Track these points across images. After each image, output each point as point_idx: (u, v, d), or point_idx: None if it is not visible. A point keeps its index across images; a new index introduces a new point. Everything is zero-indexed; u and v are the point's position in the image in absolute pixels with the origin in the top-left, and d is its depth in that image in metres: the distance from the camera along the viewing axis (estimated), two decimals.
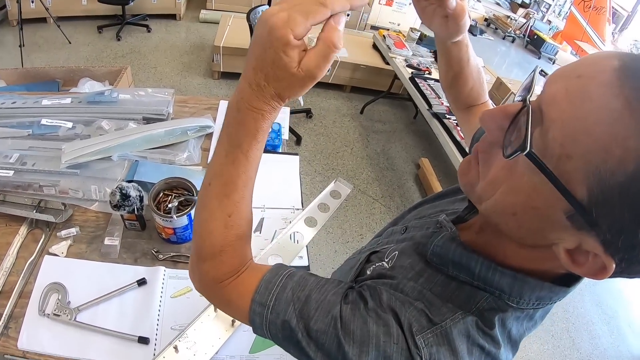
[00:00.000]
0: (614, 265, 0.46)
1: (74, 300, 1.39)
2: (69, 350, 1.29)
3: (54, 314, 1.36)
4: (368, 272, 0.77)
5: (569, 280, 0.61)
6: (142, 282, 1.44)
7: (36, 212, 1.53)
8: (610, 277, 0.47)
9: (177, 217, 1.44)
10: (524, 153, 0.45)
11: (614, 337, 3.04)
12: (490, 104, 1.08)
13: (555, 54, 6.63)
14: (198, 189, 1.52)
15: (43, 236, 1.52)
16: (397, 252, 0.75)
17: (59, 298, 1.39)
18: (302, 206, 1.78)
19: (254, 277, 0.69)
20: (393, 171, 3.83)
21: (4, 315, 1.35)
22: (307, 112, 4.08)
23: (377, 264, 0.77)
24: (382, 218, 3.33)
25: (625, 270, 0.47)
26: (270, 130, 1.91)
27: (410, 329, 0.58)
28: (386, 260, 0.76)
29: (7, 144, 1.64)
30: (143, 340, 1.33)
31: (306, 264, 1.60)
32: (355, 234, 3.11)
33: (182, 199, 1.52)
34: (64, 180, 1.58)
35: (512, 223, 0.54)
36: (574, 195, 0.44)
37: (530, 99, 0.51)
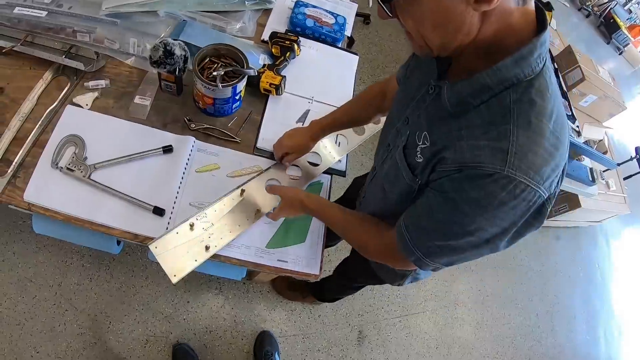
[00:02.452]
0: None
1: (92, 156, 1.11)
2: (77, 209, 1.05)
3: (68, 168, 1.10)
4: (418, 159, 0.72)
5: (539, 31, 0.60)
6: (167, 150, 1.14)
7: (65, 57, 1.26)
8: None
9: (222, 86, 1.12)
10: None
11: (589, 338, 2.77)
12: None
13: (625, 45, 5.71)
14: (250, 63, 1.24)
15: (68, 84, 1.23)
16: (424, 131, 0.72)
17: (76, 152, 1.13)
18: None
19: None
20: None
21: (13, 163, 1.10)
22: (365, 18, 3.40)
23: (420, 146, 0.72)
24: None
25: None
26: (334, 22, 1.56)
27: (504, 167, 0.56)
28: (420, 143, 0.72)
29: None
30: (158, 211, 1.05)
31: (343, 168, 1.30)
32: None
33: (229, 69, 1.20)
34: (101, 28, 1.27)
35: (453, 34, 0.60)
36: None
37: None
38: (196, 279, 1.92)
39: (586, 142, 2.45)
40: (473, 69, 0.63)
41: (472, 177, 0.59)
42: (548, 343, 2.52)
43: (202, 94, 1.17)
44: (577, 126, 2.51)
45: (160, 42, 1.13)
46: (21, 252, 1.77)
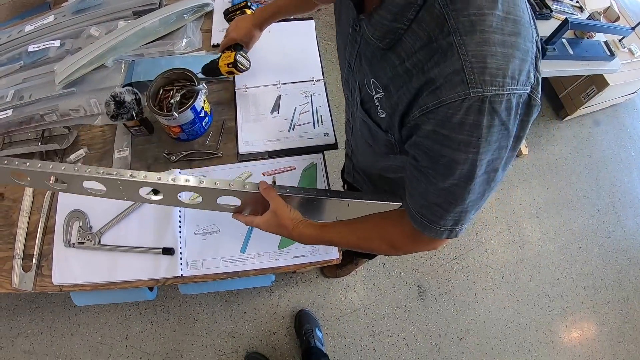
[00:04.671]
0: None
1: (96, 224, 1.09)
2: (99, 275, 1.03)
3: (79, 242, 1.08)
4: (381, 115, 0.62)
5: None
6: (157, 191, 1.12)
7: (41, 144, 1.24)
8: None
9: (178, 113, 1.04)
10: None
11: None
12: None
13: None
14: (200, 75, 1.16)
15: None
16: (371, 78, 0.61)
17: (81, 225, 1.10)
18: (323, 76, 1.28)
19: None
20: None
21: (34, 256, 1.11)
22: None
23: (375, 97, 0.61)
24: None
25: None
26: None
27: (468, 90, 0.45)
28: (374, 93, 0.61)
29: (2, 84, 1.35)
30: (167, 251, 1.01)
31: (333, 141, 1.17)
32: None
33: (183, 91, 1.12)
34: (62, 103, 1.22)
35: None
36: None
37: None
38: (245, 289, 1.91)
39: (591, 17, 2.16)
40: None
41: (444, 118, 0.48)
42: (618, 236, 2.23)
43: (168, 125, 1.11)
44: (577, 1, 2.22)
45: (109, 97, 1.09)
46: (84, 322, 1.85)
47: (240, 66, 1.11)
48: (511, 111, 0.47)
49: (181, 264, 1.01)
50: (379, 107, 0.61)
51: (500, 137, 0.49)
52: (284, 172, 1.13)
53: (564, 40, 1.89)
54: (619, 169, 2.42)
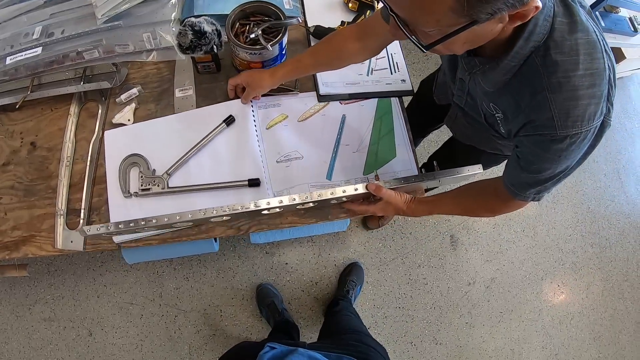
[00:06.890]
0: None
1: (159, 166, 0.90)
2: None
3: (142, 190, 0.90)
4: (502, 130, 0.79)
5: None
6: (230, 121, 0.93)
7: (83, 83, 1.05)
8: None
9: (271, 46, 0.90)
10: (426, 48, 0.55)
11: None
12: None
13: None
14: (284, 10, 1.01)
15: (100, 108, 1.05)
16: (490, 102, 0.75)
17: (141, 170, 0.91)
18: None
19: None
20: None
21: (82, 211, 0.90)
22: None
23: (497, 116, 0.77)
24: None
25: None
26: None
27: (555, 131, 0.62)
28: (494, 112, 0.76)
29: (22, 22, 1.08)
30: (254, 182, 0.86)
31: (409, 87, 1.08)
32: None
33: (264, 25, 0.95)
34: (107, 38, 1.04)
35: (478, 44, 0.60)
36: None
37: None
38: (286, 240, 1.80)
39: None
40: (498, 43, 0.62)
41: (538, 141, 0.65)
42: (621, 200, 2.32)
43: (248, 61, 0.95)
44: None
45: (185, 26, 0.90)
46: (112, 282, 1.67)
47: None
48: (585, 139, 0.62)
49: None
50: (500, 125, 0.77)
51: (576, 154, 0.66)
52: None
53: (597, 12, 1.92)
54: (624, 137, 2.49)
